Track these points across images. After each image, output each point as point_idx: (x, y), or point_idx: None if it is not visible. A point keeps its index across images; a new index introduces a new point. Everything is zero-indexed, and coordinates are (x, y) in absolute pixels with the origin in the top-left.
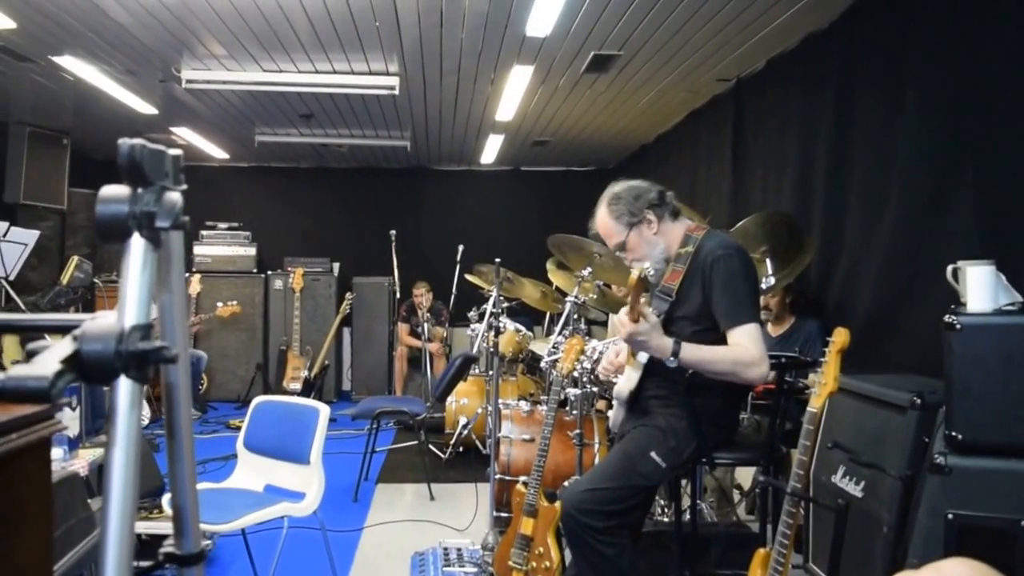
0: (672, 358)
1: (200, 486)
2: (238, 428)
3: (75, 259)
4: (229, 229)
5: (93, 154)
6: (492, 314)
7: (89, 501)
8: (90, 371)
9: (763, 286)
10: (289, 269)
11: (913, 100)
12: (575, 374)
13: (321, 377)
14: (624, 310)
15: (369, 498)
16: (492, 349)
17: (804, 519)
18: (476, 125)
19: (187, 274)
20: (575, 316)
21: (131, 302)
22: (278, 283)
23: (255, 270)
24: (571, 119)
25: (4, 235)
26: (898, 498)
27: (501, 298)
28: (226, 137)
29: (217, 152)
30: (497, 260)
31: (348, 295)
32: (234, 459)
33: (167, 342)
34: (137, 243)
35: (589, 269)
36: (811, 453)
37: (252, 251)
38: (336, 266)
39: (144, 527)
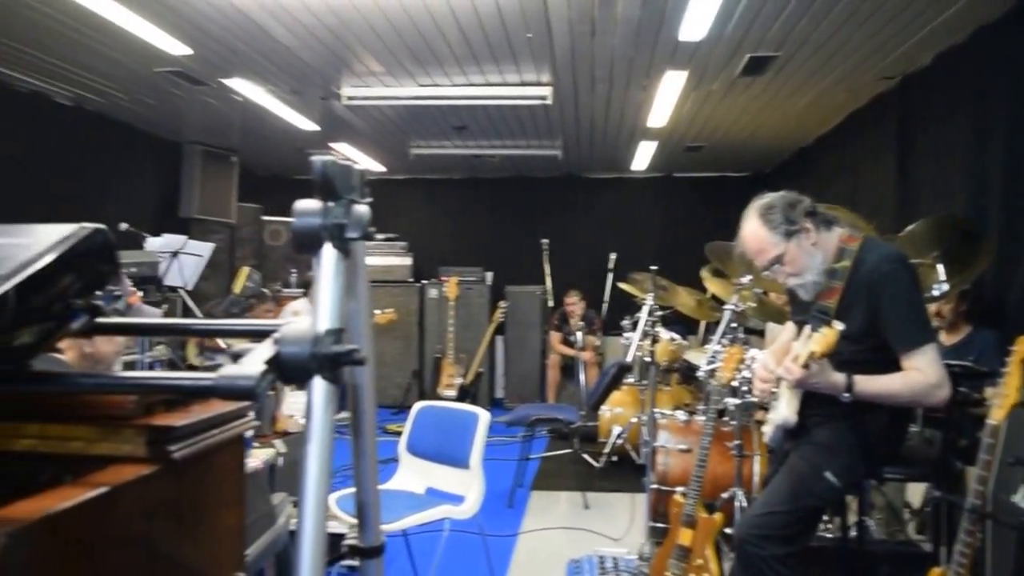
0: (846, 394)
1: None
2: (396, 433)
3: (246, 269)
4: (386, 240)
5: (258, 170)
6: (647, 322)
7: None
8: (288, 372)
9: (935, 292)
10: (443, 278)
11: None
12: (734, 383)
13: (475, 384)
14: (789, 356)
15: (524, 504)
16: (647, 358)
17: (981, 540)
18: (628, 132)
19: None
20: (733, 324)
21: (324, 308)
22: (433, 292)
23: (411, 279)
24: (725, 123)
25: (183, 248)
26: None
27: (656, 306)
28: (382, 151)
29: (374, 166)
30: (653, 268)
31: (501, 303)
32: (394, 462)
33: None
34: (329, 253)
35: (749, 276)
36: (991, 469)
37: (408, 261)
38: (489, 275)
39: None
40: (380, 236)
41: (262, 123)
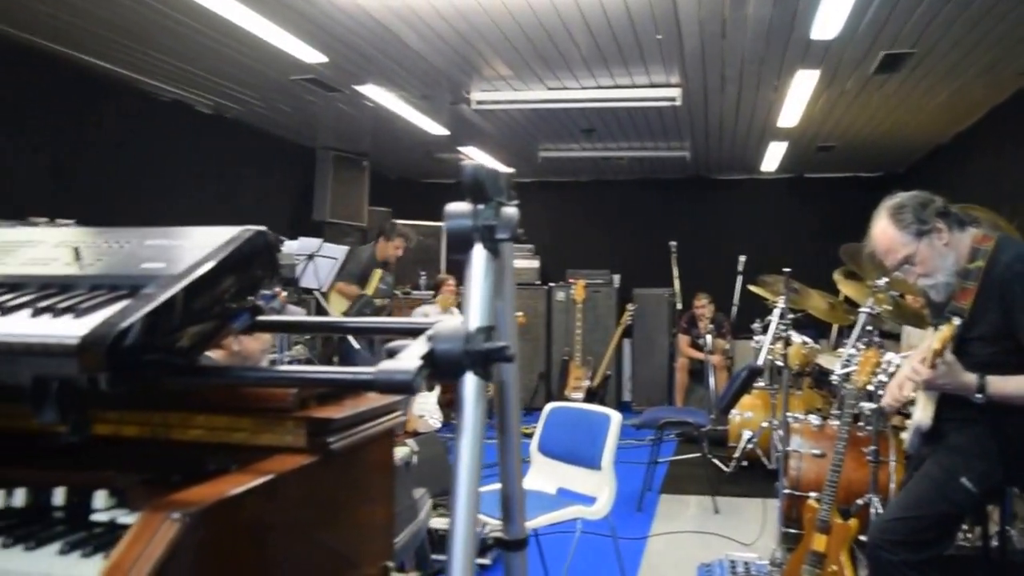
0: (979, 395)
1: (494, 486)
2: (524, 435)
3: (379, 272)
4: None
5: (388, 174)
6: (779, 326)
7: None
8: (442, 367)
9: None
10: (571, 281)
11: None
12: (870, 388)
13: (603, 387)
14: (915, 357)
15: (653, 508)
16: (780, 361)
17: None
18: (758, 132)
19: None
20: (869, 327)
21: (474, 306)
22: (560, 295)
23: (538, 282)
24: (859, 122)
25: (318, 251)
26: None
27: (788, 309)
28: (511, 154)
29: (501, 169)
30: (786, 270)
31: (629, 306)
32: (526, 463)
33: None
34: (479, 253)
35: (885, 279)
36: None
37: (535, 264)
38: (616, 278)
39: (441, 523)
40: None
41: (392, 128)
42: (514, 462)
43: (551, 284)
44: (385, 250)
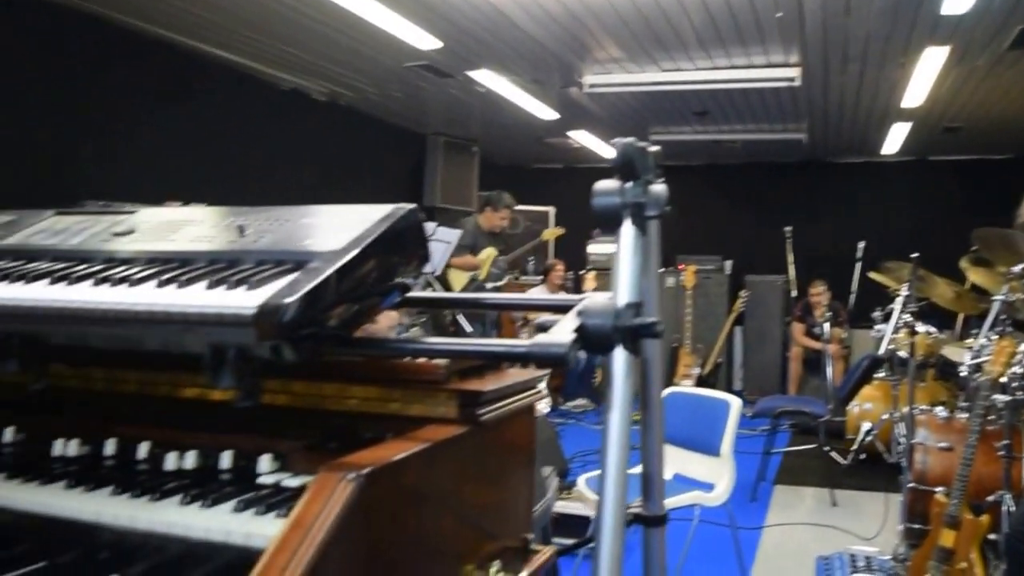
0: None
1: None
2: (632, 421)
3: (492, 254)
4: None
5: (497, 160)
6: (903, 314)
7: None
8: (592, 342)
9: None
10: (681, 267)
11: None
12: (1003, 379)
13: (714, 375)
14: None
15: (767, 498)
16: (903, 352)
17: None
18: (880, 113)
19: (582, 271)
20: (1003, 316)
21: (623, 283)
22: (670, 281)
23: None
24: (989, 101)
25: (432, 234)
26: None
27: (912, 296)
28: (620, 138)
29: (610, 153)
30: (914, 255)
31: (742, 293)
32: (636, 449)
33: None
34: (627, 230)
35: (1022, 265)
36: None
37: None
38: (728, 264)
39: (557, 506)
40: None
41: (502, 113)
42: (656, 439)
43: (661, 270)
44: (491, 220)
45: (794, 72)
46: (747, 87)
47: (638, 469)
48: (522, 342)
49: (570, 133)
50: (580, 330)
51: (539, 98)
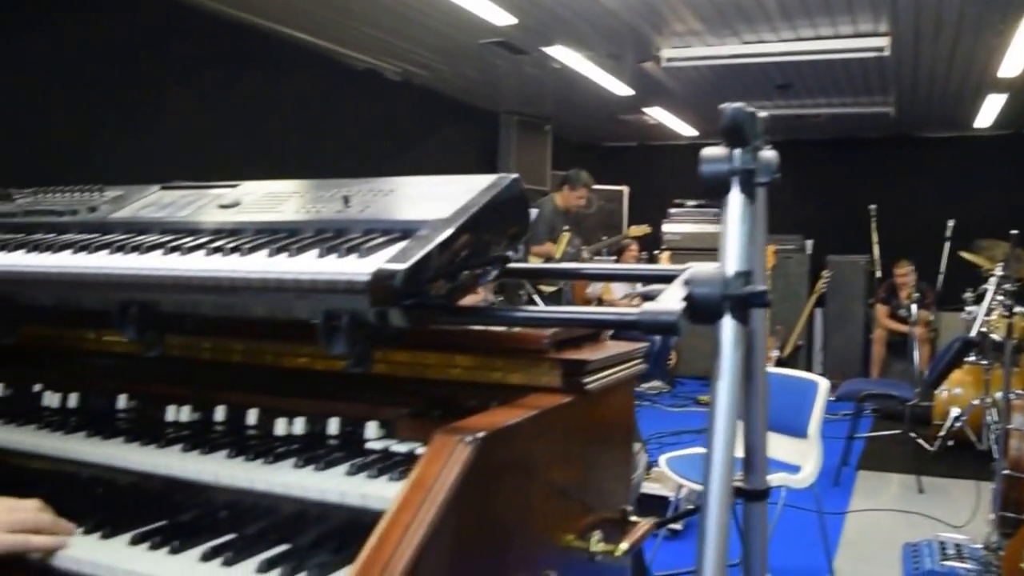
0: None
1: (691, 450)
2: (707, 404)
3: (566, 234)
4: (697, 207)
5: (570, 138)
6: (998, 295)
7: None
8: (699, 311)
9: None
10: None
11: None
12: None
13: (794, 357)
14: None
15: (851, 483)
16: (997, 334)
17: None
18: (974, 84)
19: (656, 251)
20: None
21: (731, 251)
22: None
23: None
24: None
25: None
26: None
27: (1009, 276)
28: (696, 114)
29: (686, 130)
30: (1014, 232)
31: (824, 273)
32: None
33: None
34: (735, 198)
35: None
36: None
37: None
38: (809, 243)
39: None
40: (691, 203)
41: (575, 90)
42: (759, 411)
43: None
44: (568, 199)
45: (883, 41)
46: (832, 58)
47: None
48: (631, 309)
49: (645, 110)
50: (688, 299)
51: (614, 74)
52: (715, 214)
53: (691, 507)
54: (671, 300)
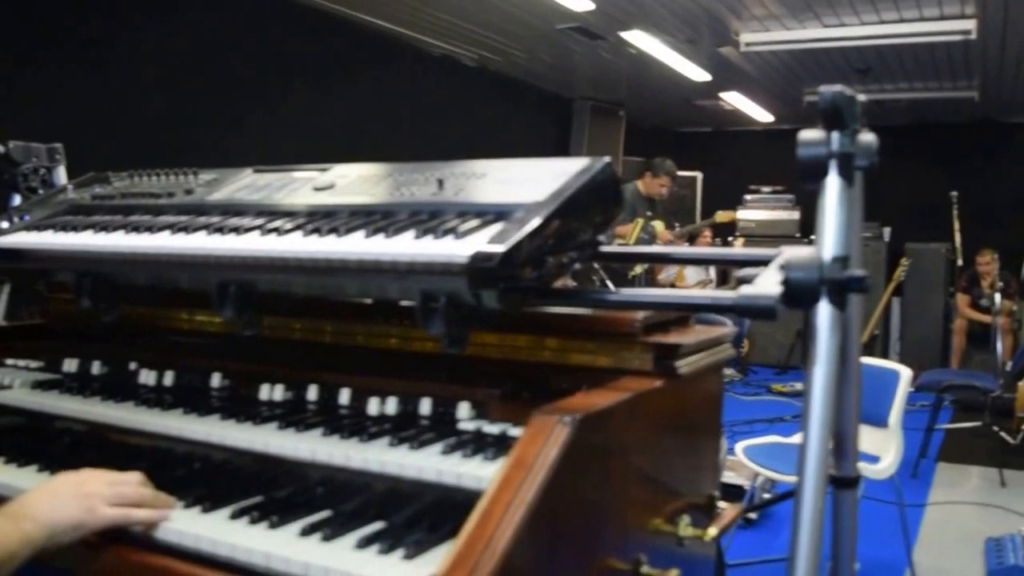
0: None
1: (768, 439)
2: (780, 393)
3: (640, 222)
4: (772, 193)
5: (642, 124)
6: None
7: None
8: (795, 295)
9: None
10: None
11: None
12: None
13: (870, 347)
14: None
15: (929, 476)
16: None
17: None
18: None
19: (730, 237)
20: None
21: (828, 235)
22: None
23: (798, 235)
24: None
25: None
26: None
27: None
28: (773, 99)
29: (762, 115)
30: None
31: (903, 261)
32: (780, 422)
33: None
34: (833, 181)
35: None
36: None
37: (796, 215)
38: (886, 231)
39: None
40: (766, 189)
41: (650, 75)
42: (851, 397)
43: (812, 237)
44: (651, 186)
45: (969, 24)
46: (916, 42)
47: (795, 438)
48: (728, 293)
49: (722, 95)
50: (784, 283)
51: (691, 59)
52: (791, 201)
53: (767, 496)
54: (768, 284)
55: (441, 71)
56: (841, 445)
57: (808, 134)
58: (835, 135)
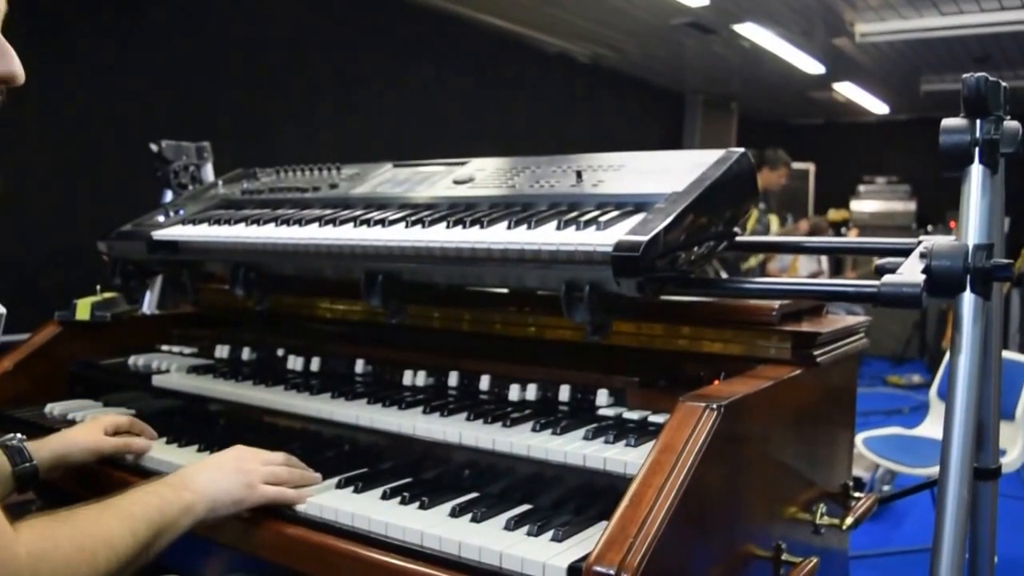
0: None
1: (890, 430)
2: (896, 385)
3: (755, 212)
4: (888, 183)
5: (754, 116)
6: None
7: None
8: (939, 284)
9: None
10: (952, 224)
11: None
12: None
13: None
14: None
15: None
16: None
17: None
18: None
19: (843, 228)
20: None
21: (972, 223)
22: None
23: (914, 225)
24: None
25: None
26: None
27: None
28: (888, 89)
29: (877, 106)
30: None
31: None
32: (898, 414)
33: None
34: (977, 169)
35: None
36: None
37: (911, 206)
38: (1006, 221)
39: None
40: (881, 179)
41: (762, 68)
42: (992, 386)
43: (929, 228)
44: (768, 180)
45: None
46: None
47: (920, 430)
48: (871, 282)
49: (835, 86)
50: (927, 271)
51: (805, 50)
52: (907, 192)
53: (887, 489)
54: (912, 272)
55: (556, 68)
56: (981, 435)
57: (951, 121)
58: (979, 122)
